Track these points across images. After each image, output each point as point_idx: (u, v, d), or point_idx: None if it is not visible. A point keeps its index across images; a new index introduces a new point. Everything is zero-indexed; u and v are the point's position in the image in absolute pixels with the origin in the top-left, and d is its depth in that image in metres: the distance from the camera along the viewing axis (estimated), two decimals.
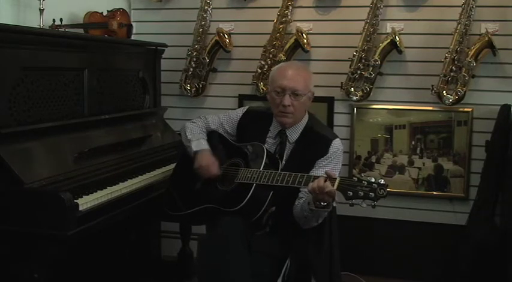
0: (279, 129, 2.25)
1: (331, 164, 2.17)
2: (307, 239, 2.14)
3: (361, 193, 1.85)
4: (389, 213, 3.07)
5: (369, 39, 2.95)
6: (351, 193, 1.86)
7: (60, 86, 2.33)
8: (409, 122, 3.03)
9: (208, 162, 2.22)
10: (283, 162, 2.20)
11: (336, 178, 1.90)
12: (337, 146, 2.20)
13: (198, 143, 2.30)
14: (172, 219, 2.59)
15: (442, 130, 2.99)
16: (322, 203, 1.93)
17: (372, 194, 1.84)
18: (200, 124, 2.42)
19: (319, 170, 2.13)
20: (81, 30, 2.77)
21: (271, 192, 2.08)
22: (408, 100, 3.03)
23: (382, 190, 1.84)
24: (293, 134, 2.24)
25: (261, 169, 2.10)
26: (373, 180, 1.86)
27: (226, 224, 2.01)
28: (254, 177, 2.08)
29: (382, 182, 1.86)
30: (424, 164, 3.03)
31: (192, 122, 2.45)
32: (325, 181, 1.89)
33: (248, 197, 2.06)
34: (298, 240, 2.15)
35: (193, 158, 2.27)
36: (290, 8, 3.06)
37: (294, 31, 3.07)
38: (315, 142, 2.20)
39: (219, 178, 2.23)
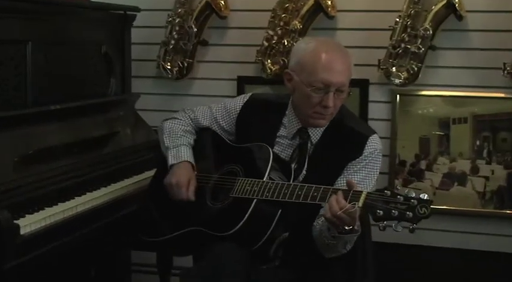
0: (299, 127, 2.25)
1: (365, 170, 2.18)
2: (332, 278, 2.16)
3: (395, 212, 1.83)
4: (445, 239, 3.08)
5: (416, 0, 2.95)
6: (381, 212, 1.84)
7: None
8: (472, 114, 3.04)
9: (181, 182, 2.23)
10: (304, 171, 2.21)
11: (361, 192, 1.89)
12: (374, 145, 2.21)
13: (177, 152, 2.32)
14: (148, 247, 2.62)
15: None
16: (346, 227, 1.92)
17: (410, 214, 1.81)
18: (184, 121, 2.44)
19: (348, 177, 2.10)
20: None
21: (280, 211, 2.09)
22: (471, 84, 3.04)
23: (424, 208, 1.81)
24: (317, 132, 2.25)
25: (264, 179, 2.11)
26: (412, 195, 1.84)
27: (217, 253, 2.02)
28: (255, 190, 2.09)
29: (426, 197, 1.84)
30: (493, 172, 3.04)
31: (173, 118, 2.46)
32: (347, 197, 1.88)
33: (246, 217, 2.06)
34: (319, 278, 2.16)
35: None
36: None
37: None
38: (345, 140, 2.21)
39: (210, 192, 2.27)
